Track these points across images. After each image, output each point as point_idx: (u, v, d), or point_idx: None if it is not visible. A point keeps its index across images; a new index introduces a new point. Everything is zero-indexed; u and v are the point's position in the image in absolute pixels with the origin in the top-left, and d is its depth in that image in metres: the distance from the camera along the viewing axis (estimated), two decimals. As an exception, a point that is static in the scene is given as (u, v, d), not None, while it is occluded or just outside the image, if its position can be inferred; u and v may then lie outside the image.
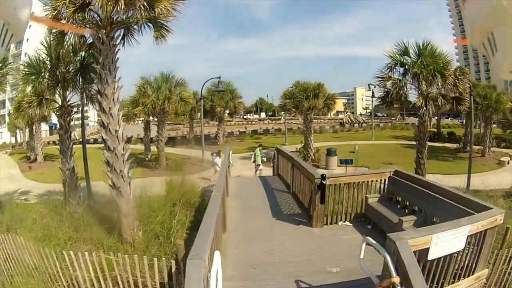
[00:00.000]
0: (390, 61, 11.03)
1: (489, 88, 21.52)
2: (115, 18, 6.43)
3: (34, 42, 10.62)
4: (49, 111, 10.92)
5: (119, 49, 6.88)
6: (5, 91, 11.43)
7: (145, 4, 5.92)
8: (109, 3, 5.64)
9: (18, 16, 1.00)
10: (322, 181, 4.97)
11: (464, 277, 3.22)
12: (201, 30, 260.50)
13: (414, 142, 13.08)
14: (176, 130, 42.46)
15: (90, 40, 7.52)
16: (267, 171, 12.35)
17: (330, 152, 17.62)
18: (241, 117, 60.76)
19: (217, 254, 2.70)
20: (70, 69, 8.86)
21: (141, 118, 22.54)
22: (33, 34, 10.03)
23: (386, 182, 5.55)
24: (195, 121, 32.06)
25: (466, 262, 3.20)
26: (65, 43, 7.72)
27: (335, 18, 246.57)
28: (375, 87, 26.42)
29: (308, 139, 20.06)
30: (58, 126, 9.42)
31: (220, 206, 4.06)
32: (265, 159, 14.33)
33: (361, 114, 78.42)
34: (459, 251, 3.00)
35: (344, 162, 14.02)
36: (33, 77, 8.54)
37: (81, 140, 11.88)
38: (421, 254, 2.71)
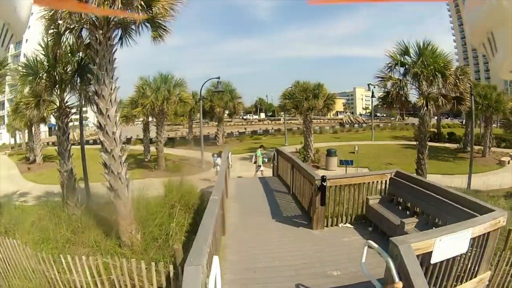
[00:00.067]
0: (391, 61, 11.01)
1: (489, 88, 21.56)
2: (112, 18, 6.38)
3: (33, 43, 10.60)
4: (48, 112, 10.86)
5: (116, 50, 6.83)
6: (4, 92, 11.36)
7: (143, 3, 5.87)
8: (106, 2, 5.59)
9: (18, 16, 0.99)
10: (323, 183, 4.91)
11: (466, 280, 3.17)
12: (203, 31, 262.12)
13: (414, 143, 13.07)
14: (175, 130, 42.50)
15: (87, 41, 7.47)
16: (267, 172, 12.30)
17: (330, 153, 17.55)
18: (241, 117, 60.79)
19: (215, 259, 2.64)
20: (67, 70, 8.80)
21: (141, 119, 22.52)
22: (32, 34, 9.93)
23: (387, 183, 5.49)
24: (195, 121, 32.01)
25: (469, 265, 3.15)
26: (62, 44, 7.67)
27: (335, 18, 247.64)
28: (374, 87, 26.56)
29: (308, 139, 19.98)
30: (57, 127, 9.36)
31: (219, 208, 4.00)
32: (266, 159, 14.29)
33: (360, 114, 78.45)
34: (461, 254, 2.95)
35: (344, 162, 13.99)
36: (30, 78, 8.48)
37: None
38: (424, 258, 2.66)
